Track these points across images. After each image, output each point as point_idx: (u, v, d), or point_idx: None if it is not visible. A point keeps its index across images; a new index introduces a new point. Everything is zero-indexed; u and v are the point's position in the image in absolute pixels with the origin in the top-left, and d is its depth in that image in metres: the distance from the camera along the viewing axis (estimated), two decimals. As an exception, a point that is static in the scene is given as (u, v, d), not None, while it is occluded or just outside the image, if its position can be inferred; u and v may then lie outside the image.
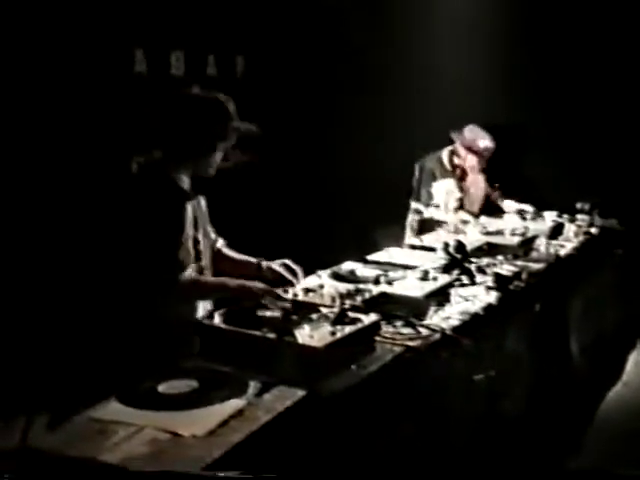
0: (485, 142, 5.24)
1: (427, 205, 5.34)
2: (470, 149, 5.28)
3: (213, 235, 3.27)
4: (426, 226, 5.30)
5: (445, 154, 5.41)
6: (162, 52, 4.75)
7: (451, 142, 5.41)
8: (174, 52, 4.83)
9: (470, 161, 5.32)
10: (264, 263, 3.24)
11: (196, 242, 3.05)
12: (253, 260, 3.29)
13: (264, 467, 2.13)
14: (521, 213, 5.51)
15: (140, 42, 4.58)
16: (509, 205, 5.73)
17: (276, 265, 3.21)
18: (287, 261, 3.23)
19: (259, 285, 2.95)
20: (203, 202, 3.18)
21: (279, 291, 2.99)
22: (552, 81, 6.49)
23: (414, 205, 5.41)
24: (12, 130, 3.90)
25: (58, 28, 4.04)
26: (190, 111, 2.99)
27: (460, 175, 5.43)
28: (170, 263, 2.85)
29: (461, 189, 5.44)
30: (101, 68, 4.29)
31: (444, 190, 5.36)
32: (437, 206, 5.34)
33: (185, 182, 3.02)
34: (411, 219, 5.43)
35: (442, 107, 5.99)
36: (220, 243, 3.33)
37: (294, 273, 3.19)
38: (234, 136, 3.04)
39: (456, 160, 5.39)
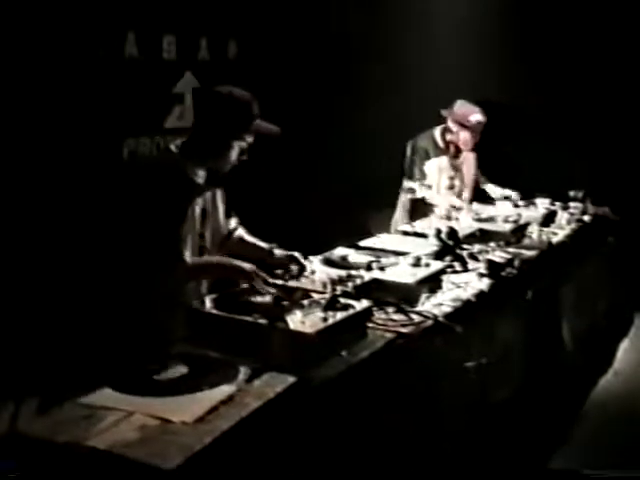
0: (476, 116, 5.20)
1: (421, 184, 5.32)
2: (461, 124, 5.23)
3: (233, 223, 3.30)
4: (418, 209, 5.29)
5: (438, 132, 5.38)
6: (154, 35, 4.71)
7: (442, 121, 5.38)
8: (166, 35, 4.78)
9: (463, 136, 5.28)
10: (276, 250, 3.25)
11: (201, 237, 3.05)
12: (265, 245, 3.30)
13: (254, 454, 2.12)
14: (507, 199, 5.50)
15: (131, 25, 4.53)
16: (493, 190, 5.70)
17: (285, 256, 3.24)
18: (296, 254, 3.25)
19: (249, 266, 2.94)
20: (220, 196, 3.18)
21: (268, 277, 2.98)
22: (545, 69, 6.48)
23: (407, 184, 5.39)
24: (6, 119, 3.87)
25: (48, 11, 4.00)
26: (210, 107, 3.00)
27: (454, 152, 5.40)
28: (165, 248, 2.84)
29: (454, 167, 5.42)
30: (92, 51, 4.24)
31: (436, 168, 5.33)
32: (429, 186, 5.32)
33: (200, 176, 3.01)
34: (404, 198, 5.42)
35: (436, 93, 5.96)
36: (233, 224, 3.34)
37: (300, 267, 3.21)
38: (253, 135, 3.03)
39: (448, 137, 5.34)
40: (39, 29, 3.93)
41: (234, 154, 3.01)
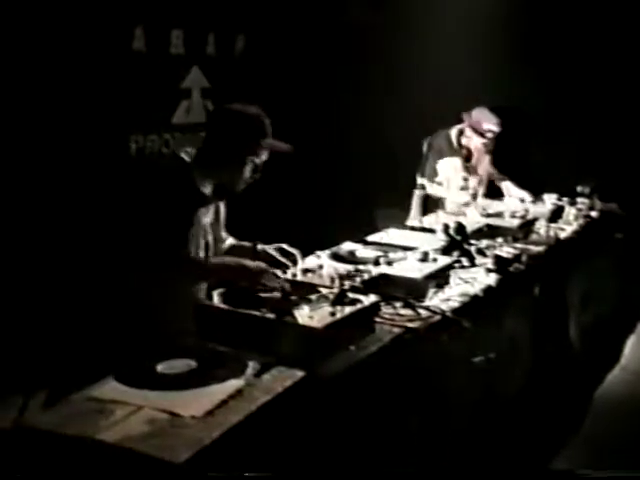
0: (489, 124, 5.21)
1: (431, 181, 5.33)
2: (475, 130, 5.25)
3: (224, 235, 3.30)
4: (429, 204, 5.30)
5: (454, 132, 5.40)
6: (162, 30, 4.71)
7: (461, 121, 5.39)
8: (174, 30, 4.79)
9: (476, 142, 5.30)
10: (259, 246, 3.24)
11: (207, 247, 3.07)
12: (248, 244, 3.29)
13: (262, 448, 2.12)
14: (520, 200, 5.47)
15: (140, 20, 4.54)
16: (508, 187, 5.67)
17: (271, 249, 3.21)
18: (283, 245, 3.22)
19: (259, 264, 2.94)
20: (223, 208, 3.20)
21: (277, 272, 2.98)
22: (554, 66, 6.47)
23: (419, 180, 5.41)
24: (13, 113, 3.87)
25: (56, 6, 4.00)
26: (222, 124, 3.02)
27: (466, 155, 5.40)
28: (174, 243, 2.85)
29: (467, 169, 5.42)
30: (101, 45, 4.25)
31: (449, 168, 5.34)
32: (440, 184, 5.33)
33: (207, 188, 3.02)
34: (417, 194, 5.44)
35: (449, 90, 5.97)
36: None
37: (290, 257, 3.18)
38: (266, 153, 3.03)
39: (463, 140, 5.36)
40: (47, 24, 3.94)
41: (247, 171, 3.00)
